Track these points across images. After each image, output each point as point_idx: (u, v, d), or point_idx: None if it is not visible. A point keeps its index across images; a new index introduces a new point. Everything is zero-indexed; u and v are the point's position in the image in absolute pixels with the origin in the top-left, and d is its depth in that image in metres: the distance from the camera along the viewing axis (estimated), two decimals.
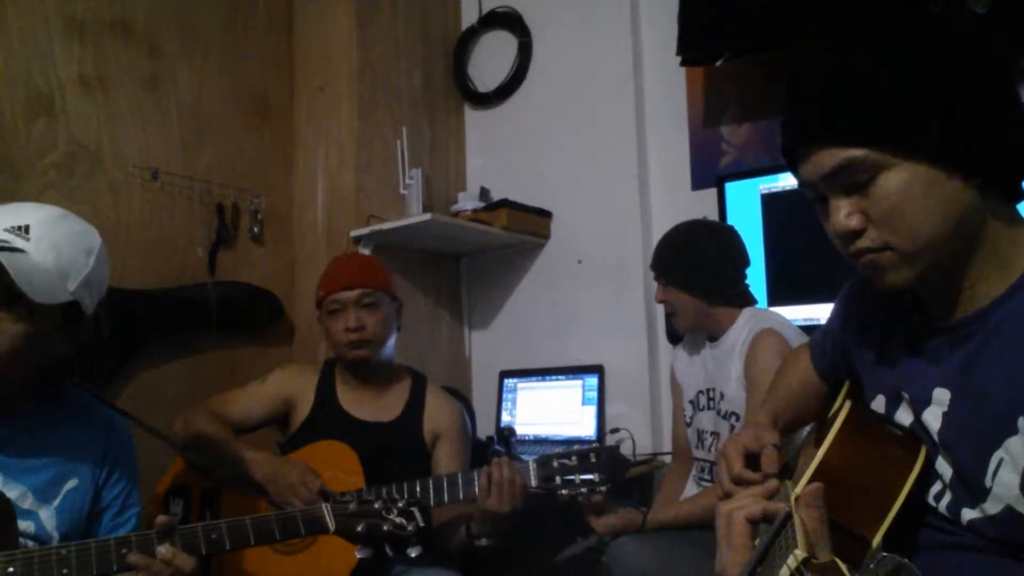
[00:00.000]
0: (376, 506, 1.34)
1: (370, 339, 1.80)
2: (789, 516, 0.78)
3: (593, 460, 1.50)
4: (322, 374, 1.91)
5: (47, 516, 1.24)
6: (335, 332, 1.82)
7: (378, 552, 1.32)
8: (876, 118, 0.82)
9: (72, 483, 1.28)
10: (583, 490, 1.51)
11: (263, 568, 1.55)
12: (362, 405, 1.85)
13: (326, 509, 1.33)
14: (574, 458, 1.51)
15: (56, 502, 1.25)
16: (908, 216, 0.82)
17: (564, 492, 1.52)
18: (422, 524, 1.35)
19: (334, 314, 1.82)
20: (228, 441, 1.69)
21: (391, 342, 1.88)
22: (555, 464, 1.51)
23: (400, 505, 1.35)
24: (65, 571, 1.11)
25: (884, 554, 0.72)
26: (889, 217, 0.83)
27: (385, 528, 1.32)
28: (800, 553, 0.69)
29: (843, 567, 0.66)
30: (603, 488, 1.50)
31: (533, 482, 1.52)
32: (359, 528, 1.31)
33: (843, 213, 0.85)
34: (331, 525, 1.31)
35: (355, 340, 1.79)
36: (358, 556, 1.32)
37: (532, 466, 1.53)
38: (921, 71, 0.82)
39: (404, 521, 1.33)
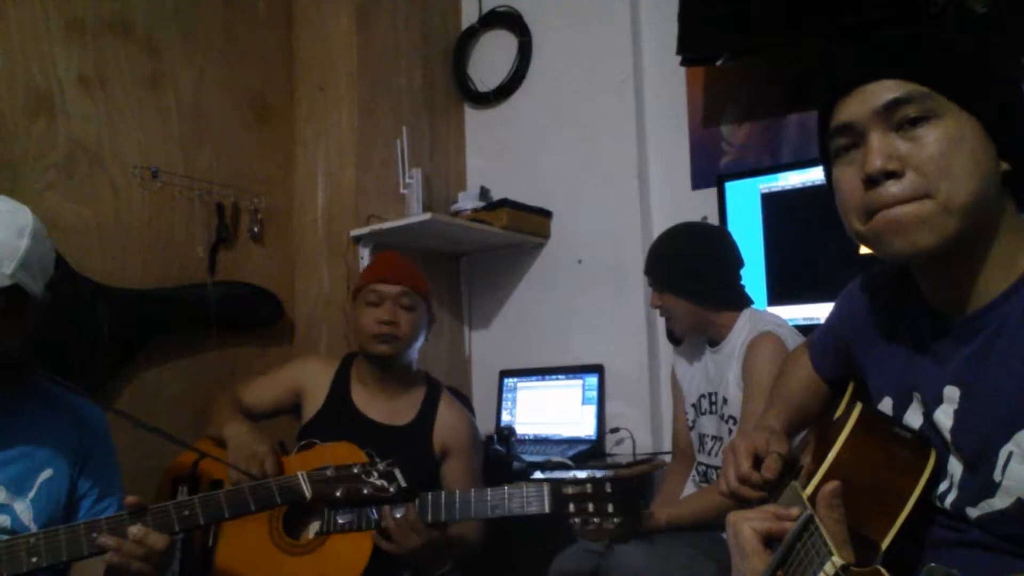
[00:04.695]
0: (355, 471, 1.32)
1: (399, 337, 1.80)
2: (811, 519, 0.77)
3: (608, 491, 1.45)
4: (339, 369, 1.90)
5: (22, 509, 1.22)
6: (366, 322, 1.80)
7: (362, 517, 1.30)
8: (946, 63, 0.84)
9: (46, 474, 1.26)
10: (595, 519, 1.48)
11: (270, 569, 1.53)
12: (375, 405, 1.84)
13: (302, 477, 1.30)
14: (588, 486, 1.47)
15: (31, 494, 1.24)
16: (957, 166, 0.81)
17: (576, 520, 1.50)
18: (404, 484, 1.33)
19: (371, 305, 1.81)
20: (225, 404, 1.78)
21: (415, 348, 1.88)
22: (569, 492, 1.48)
23: (380, 468, 1.33)
24: (34, 559, 1.10)
25: (933, 564, 0.70)
26: (938, 162, 0.81)
27: (365, 491, 1.30)
28: (838, 560, 0.67)
29: None
30: (616, 520, 1.48)
31: (547, 509, 1.50)
32: (337, 493, 1.29)
33: (883, 152, 0.82)
34: (308, 492, 1.29)
35: (385, 334, 1.78)
36: (340, 521, 1.30)
37: (547, 494, 1.48)
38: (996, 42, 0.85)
39: (385, 483, 1.31)
